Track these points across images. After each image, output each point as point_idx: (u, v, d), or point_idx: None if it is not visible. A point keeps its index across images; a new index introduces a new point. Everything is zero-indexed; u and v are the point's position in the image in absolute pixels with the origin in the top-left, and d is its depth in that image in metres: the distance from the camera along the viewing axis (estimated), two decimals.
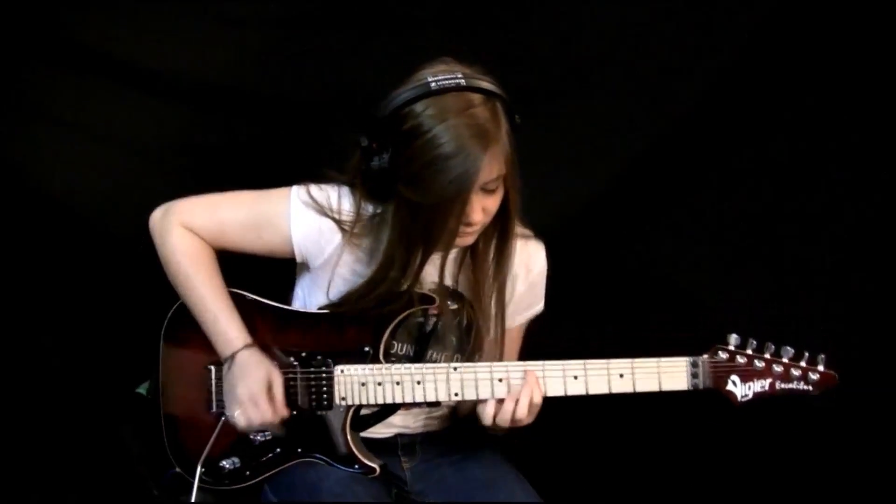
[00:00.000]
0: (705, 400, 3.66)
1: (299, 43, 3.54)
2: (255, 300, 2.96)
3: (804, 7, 3.61)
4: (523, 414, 2.77)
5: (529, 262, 3.03)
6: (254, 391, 2.79)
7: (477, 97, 2.64)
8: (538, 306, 3.11)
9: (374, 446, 2.96)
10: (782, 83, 3.71)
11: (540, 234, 3.08)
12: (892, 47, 3.65)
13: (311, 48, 3.55)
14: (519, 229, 2.94)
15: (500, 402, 2.80)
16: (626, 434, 3.88)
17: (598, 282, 3.80)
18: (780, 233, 3.83)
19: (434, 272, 2.87)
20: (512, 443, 3.07)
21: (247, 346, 2.84)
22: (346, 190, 2.88)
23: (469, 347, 2.95)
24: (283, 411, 2.83)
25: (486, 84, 2.67)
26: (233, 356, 2.84)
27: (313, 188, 2.88)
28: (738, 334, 2.74)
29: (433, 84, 2.62)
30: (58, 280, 3.61)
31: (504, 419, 2.79)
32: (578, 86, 3.71)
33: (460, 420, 3.14)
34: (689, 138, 3.74)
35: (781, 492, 3.84)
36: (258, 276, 2.99)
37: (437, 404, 3.03)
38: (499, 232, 2.87)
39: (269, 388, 2.81)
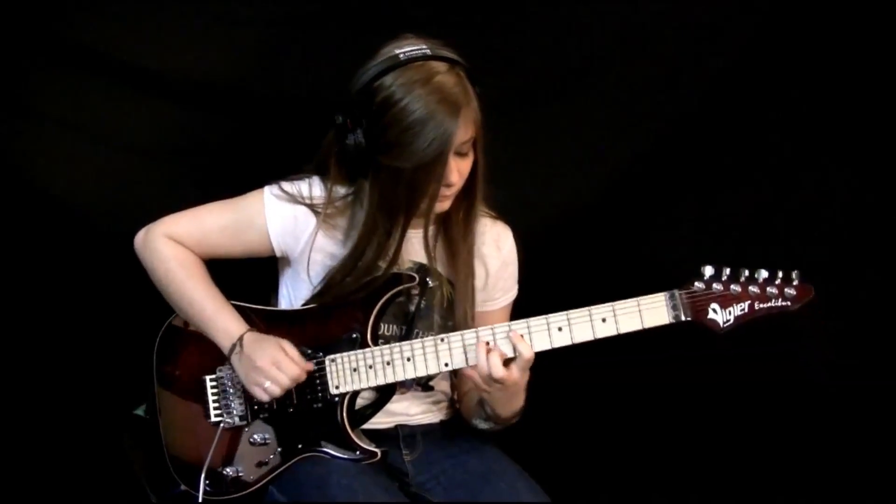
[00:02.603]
0: (705, 396, 3.70)
1: (298, 43, 3.59)
2: (240, 306, 2.99)
3: (803, 8, 3.66)
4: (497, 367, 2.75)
5: (499, 240, 3.09)
6: (272, 354, 2.82)
7: (441, 65, 2.74)
8: (514, 291, 3.16)
9: (375, 438, 2.97)
10: (781, 84, 3.76)
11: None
12: (890, 48, 3.69)
13: (311, 48, 3.60)
14: (485, 209, 3.02)
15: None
16: (624, 427, 3.89)
17: (597, 281, 3.77)
18: (779, 231, 3.86)
19: (412, 251, 2.95)
20: (510, 432, 3.08)
21: (249, 330, 2.89)
22: (315, 179, 2.97)
23: (451, 323, 2.99)
24: (305, 365, 2.86)
25: (449, 53, 2.77)
26: (240, 339, 2.87)
27: (284, 183, 2.96)
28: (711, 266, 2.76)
29: (400, 56, 2.72)
30: (55, 282, 3.63)
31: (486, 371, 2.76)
32: (578, 86, 3.75)
33: (458, 415, 3.17)
34: (689, 138, 3.78)
35: (779, 486, 3.83)
36: (240, 282, 3.02)
37: (430, 388, 3.08)
38: (467, 199, 2.94)
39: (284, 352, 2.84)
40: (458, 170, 2.78)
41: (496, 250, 3.08)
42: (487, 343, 2.79)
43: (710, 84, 3.75)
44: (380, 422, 3.03)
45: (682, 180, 3.83)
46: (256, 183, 3.00)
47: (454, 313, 2.98)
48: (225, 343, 2.90)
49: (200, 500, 2.91)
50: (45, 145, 3.55)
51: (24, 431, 3.63)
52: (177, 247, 2.96)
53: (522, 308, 3.13)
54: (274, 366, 2.82)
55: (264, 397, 2.87)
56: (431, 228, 2.93)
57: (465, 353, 2.83)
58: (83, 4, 3.48)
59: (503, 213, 3.10)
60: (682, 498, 3.76)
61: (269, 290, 3.16)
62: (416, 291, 2.97)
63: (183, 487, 2.98)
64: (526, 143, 3.56)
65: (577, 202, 3.79)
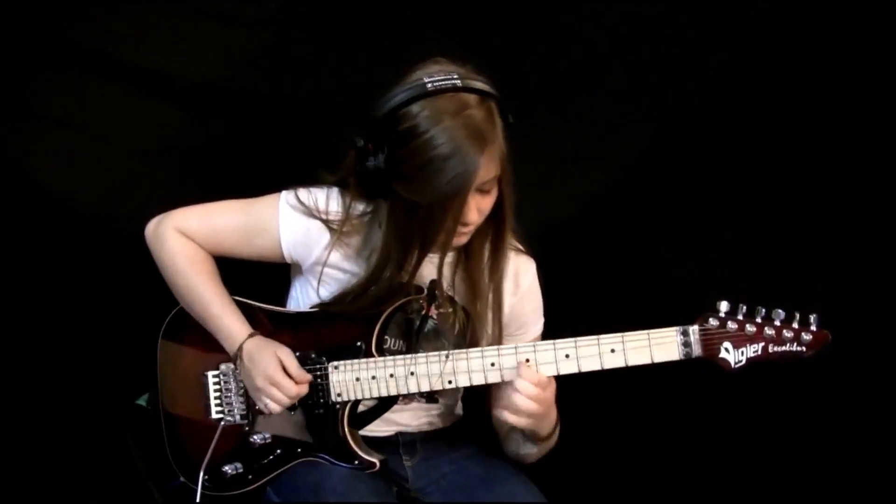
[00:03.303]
0: (704, 394, 3.69)
1: (299, 43, 3.54)
2: (247, 303, 2.98)
3: (804, 8, 3.61)
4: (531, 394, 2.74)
5: (518, 274, 3.03)
6: (269, 374, 2.81)
7: (472, 98, 2.64)
8: (538, 325, 3.10)
9: (375, 445, 2.97)
10: (780, 84, 3.71)
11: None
12: (890, 48, 3.64)
13: (311, 48, 3.55)
14: (511, 242, 2.95)
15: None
16: (623, 431, 3.88)
17: (596, 282, 3.80)
18: (778, 232, 3.82)
19: (427, 275, 2.88)
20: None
21: (250, 336, 2.87)
22: (335, 191, 2.91)
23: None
24: (305, 379, 2.84)
25: (480, 84, 2.67)
26: (240, 348, 2.86)
27: (301, 191, 2.90)
28: (727, 301, 2.72)
29: (429, 85, 2.62)
30: (57, 281, 3.61)
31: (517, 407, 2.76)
32: (577, 86, 3.70)
33: (458, 423, 3.18)
34: (688, 138, 3.73)
35: (778, 486, 3.84)
36: (253, 279, 3.01)
37: (434, 400, 3.08)
38: (493, 232, 2.87)
39: (283, 366, 2.82)
40: (477, 208, 2.71)
41: (514, 286, 3.01)
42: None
43: (710, 84, 3.70)
44: (381, 429, 3.04)
45: (682, 180, 3.78)
46: (257, 183, 2.98)
47: (469, 344, 2.92)
48: (228, 347, 2.91)
49: (199, 496, 2.91)
50: (45, 145, 3.52)
51: (26, 426, 3.63)
52: (187, 242, 2.94)
53: None
54: (271, 385, 2.81)
55: (266, 412, 2.88)
56: (450, 256, 2.87)
57: (470, 373, 2.82)
58: (83, 4, 3.44)
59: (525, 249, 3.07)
60: (680, 499, 3.79)
61: (284, 287, 3.15)
62: (423, 310, 2.92)
63: (181, 479, 2.99)
64: (525, 144, 3.50)
65: (576, 202, 3.76)
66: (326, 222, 2.87)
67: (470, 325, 2.93)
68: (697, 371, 3.34)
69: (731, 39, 3.67)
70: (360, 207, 2.87)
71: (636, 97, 3.70)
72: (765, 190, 3.78)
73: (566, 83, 3.68)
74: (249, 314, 2.95)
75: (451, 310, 2.95)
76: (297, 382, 2.83)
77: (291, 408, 2.90)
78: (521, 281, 3.03)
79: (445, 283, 2.89)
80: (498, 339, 2.94)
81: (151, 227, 2.99)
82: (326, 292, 2.93)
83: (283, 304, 3.11)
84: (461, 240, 2.80)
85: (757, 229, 3.80)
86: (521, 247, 3.01)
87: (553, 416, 2.89)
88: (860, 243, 3.77)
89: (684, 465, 3.83)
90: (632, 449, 3.87)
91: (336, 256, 2.90)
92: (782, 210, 3.79)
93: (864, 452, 3.81)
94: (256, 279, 3.01)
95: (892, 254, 3.76)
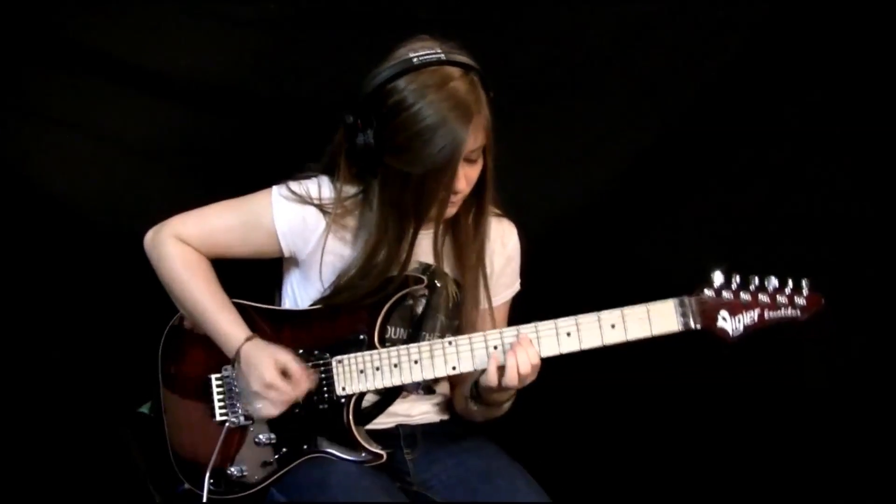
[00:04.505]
0: (705, 396, 3.69)
1: (299, 43, 3.57)
2: (247, 305, 2.98)
3: (807, 5, 3.64)
4: (527, 370, 2.76)
5: (504, 237, 3.09)
6: (266, 378, 2.81)
7: (456, 71, 2.72)
8: (516, 285, 3.16)
9: (376, 437, 2.97)
10: (780, 84, 3.73)
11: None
12: (891, 47, 3.67)
13: (311, 48, 3.58)
14: (491, 207, 3.00)
15: (500, 368, 2.79)
16: (624, 426, 3.88)
17: (597, 281, 3.78)
18: (778, 232, 3.82)
19: (419, 252, 2.93)
20: (509, 430, 3.10)
21: (248, 339, 2.87)
22: (324, 179, 2.95)
23: (458, 323, 2.99)
24: (306, 380, 2.84)
25: (463, 58, 2.75)
26: (237, 353, 2.86)
27: (292, 183, 2.94)
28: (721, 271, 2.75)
29: (414, 60, 2.70)
30: (57, 282, 3.62)
31: (511, 377, 2.76)
32: (577, 86, 3.73)
33: (458, 416, 3.16)
34: (688, 138, 3.75)
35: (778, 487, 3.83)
36: (243, 280, 3.02)
37: (432, 391, 3.09)
38: (476, 202, 2.93)
39: (283, 370, 2.82)
40: (465, 176, 2.78)
41: (501, 247, 3.08)
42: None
43: (710, 83, 3.72)
44: (381, 422, 3.04)
45: (682, 180, 3.80)
46: (258, 183, 3.00)
47: (461, 314, 2.99)
48: (226, 351, 2.91)
49: (205, 499, 2.90)
50: (45, 145, 3.53)
51: (27, 431, 3.62)
52: (184, 247, 2.95)
53: (524, 309, 3.15)
54: (268, 389, 2.82)
55: (257, 417, 2.90)
56: (440, 230, 2.93)
57: (473, 357, 2.83)
58: (83, 4, 3.46)
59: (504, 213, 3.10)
60: (680, 499, 3.78)
61: (273, 287, 3.16)
62: (423, 293, 2.96)
63: (186, 486, 2.97)
64: (527, 143, 3.55)
65: (577, 202, 3.78)
66: (320, 207, 2.91)
67: (462, 296, 2.98)
68: (697, 369, 3.38)
69: (731, 39, 3.69)
70: (350, 190, 2.91)
71: (636, 97, 3.72)
72: (772, 186, 3.80)
73: (566, 83, 3.71)
74: (248, 316, 2.96)
75: (441, 283, 2.98)
76: (298, 382, 2.83)
77: (295, 404, 2.89)
78: (506, 242, 3.10)
79: (432, 258, 2.95)
80: (490, 308, 3.00)
81: (149, 237, 3.00)
82: (328, 281, 2.94)
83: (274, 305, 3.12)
84: (451, 210, 2.86)
85: (757, 229, 3.80)
86: (498, 211, 3.07)
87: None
88: (860, 243, 3.78)
89: (683, 462, 3.83)
90: (628, 443, 3.88)
91: (333, 242, 2.92)
92: (782, 210, 3.80)
93: (863, 452, 3.80)
94: (248, 280, 3.03)
95: (893, 254, 3.76)
